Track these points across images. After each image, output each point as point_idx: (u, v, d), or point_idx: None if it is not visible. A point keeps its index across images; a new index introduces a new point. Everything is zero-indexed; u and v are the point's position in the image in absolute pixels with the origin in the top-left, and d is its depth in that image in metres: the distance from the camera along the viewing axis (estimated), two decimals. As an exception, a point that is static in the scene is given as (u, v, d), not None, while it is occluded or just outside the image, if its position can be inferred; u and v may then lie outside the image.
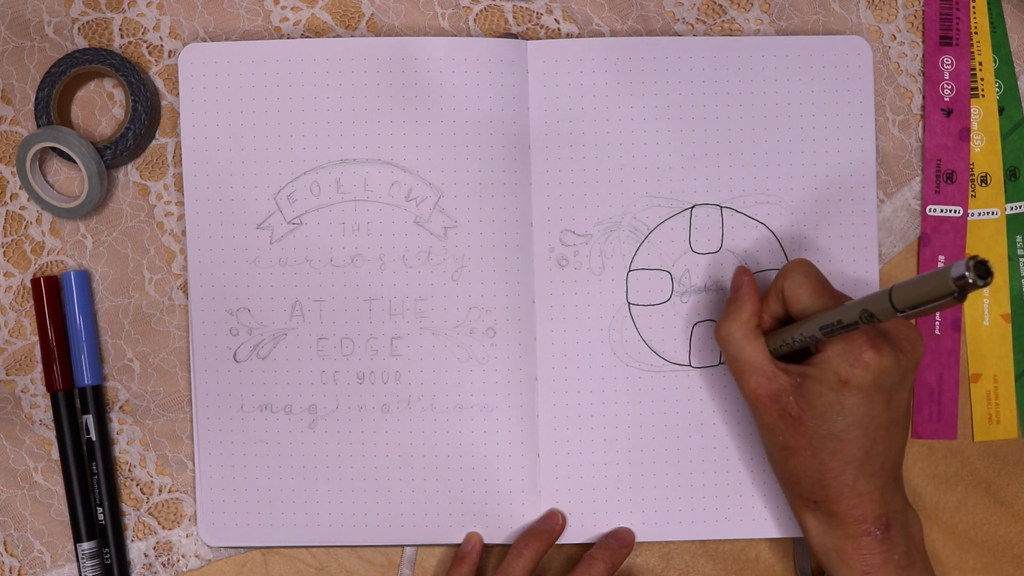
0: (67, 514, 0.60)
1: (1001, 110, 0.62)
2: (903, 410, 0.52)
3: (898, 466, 0.53)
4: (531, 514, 0.60)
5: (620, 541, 0.59)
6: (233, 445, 0.60)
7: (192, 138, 0.60)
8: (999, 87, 0.62)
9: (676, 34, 0.62)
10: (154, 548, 0.61)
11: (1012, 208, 0.62)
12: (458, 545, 0.60)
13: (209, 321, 0.60)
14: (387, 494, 0.60)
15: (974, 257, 0.41)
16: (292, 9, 0.61)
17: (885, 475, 0.52)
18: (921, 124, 0.62)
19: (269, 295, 0.60)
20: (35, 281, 0.60)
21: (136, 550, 0.61)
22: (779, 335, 0.53)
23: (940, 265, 0.61)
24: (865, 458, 0.51)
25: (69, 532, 0.60)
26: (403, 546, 0.61)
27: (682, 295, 0.61)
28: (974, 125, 0.62)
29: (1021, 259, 0.62)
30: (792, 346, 0.53)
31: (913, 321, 0.55)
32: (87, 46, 0.61)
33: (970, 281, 0.41)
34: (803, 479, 0.53)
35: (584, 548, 0.61)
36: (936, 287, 0.43)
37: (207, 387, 0.60)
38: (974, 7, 0.62)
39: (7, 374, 0.61)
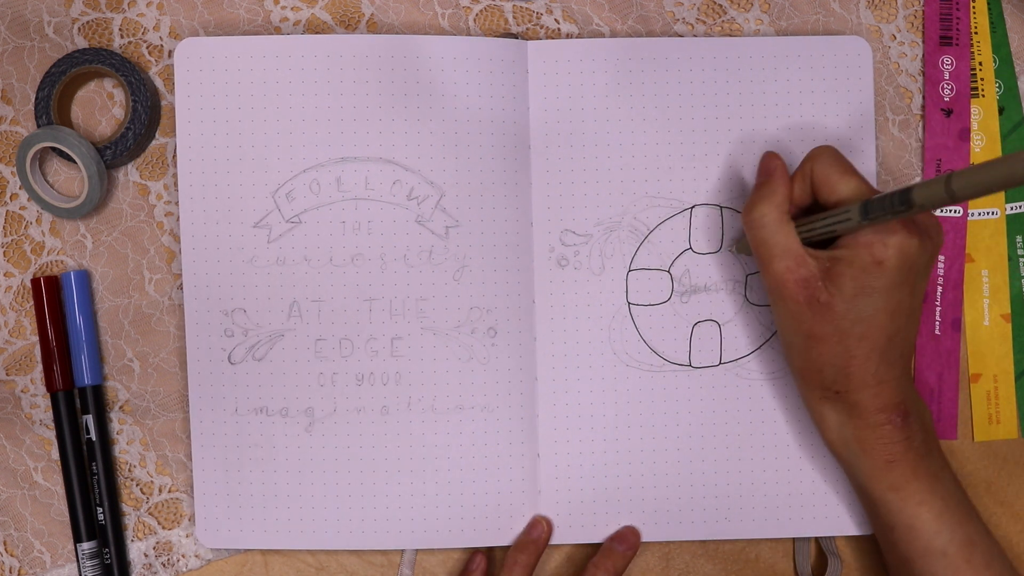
0: (67, 514, 0.60)
1: (1001, 110, 0.62)
2: (921, 298, 0.53)
3: (911, 356, 0.54)
4: (531, 514, 0.60)
5: (624, 543, 0.59)
6: (227, 449, 0.60)
7: (188, 134, 0.59)
8: (999, 87, 0.62)
9: (676, 34, 0.62)
10: (154, 548, 0.61)
11: (1012, 208, 0.62)
12: (455, 549, 0.60)
13: (203, 322, 0.60)
14: (385, 498, 0.59)
15: None
16: (292, 9, 0.61)
17: (902, 364, 0.53)
18: (921, 124, 0.62)
19: (266, 295, 0.60)
20: (35, 281, 0.60)
21: (136, 550, 0.61)
22: (807, 222, 0.53)
23: (940, 266, 0.61)
24: (888, 344, 0.52)
25: (69, 532, 0.60)
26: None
27: (682, 295, 0.60)
28: (974, 125, 0.62)
29: (1021, 259, 0.62)
30: (820, 233, 0.52)
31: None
32: (87, 46, 0.61)
33: None
34: (827, 368, 0.53)
35: (583, 548, 0.61)
36: (1004, 174, 0.42)
37: (201, 390, 0.60)
38: (974, 7, 0.62)
39: (7, 374, 0.61)
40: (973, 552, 0.52)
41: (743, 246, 0.59)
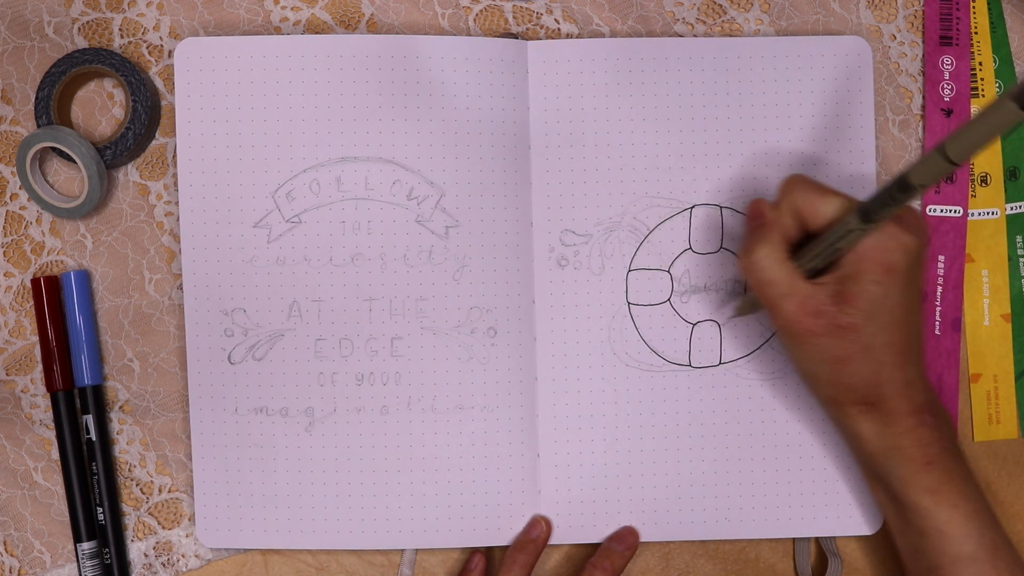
0: (67, 514, 0.60)
1: (1001, 110, 0.62)
2: (922, 290, 0.54)
3: (923, 349, 0.55)
4: (531, 514, 0.60)
5: (623, 543, 0.59)
6: (227, 449, 0.60)
7: (188, 134, 0.59)
8: (999, 87, 0.62)
9: (676, 34, 0.62)
10: (154, 548, 0.61)
11: (1012, 208, 0.62)
12: (455, 549, 0.60)
13: (203, 322, 0.60)
14: (385, 498, 0.59)
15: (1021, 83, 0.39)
16: (292, 9, 0.61)
17: (921, 359, 0.53)
18: (921, 124, 0.62)
19: (266, 295, 0.60)
20: (35, 281, 0.60)
21: (136, 550, 0.61)
22: (806, 252, 0.53)
23: (940, 266, 0.61)
24: (908, 345, 0.52)
25: (69, 532, 0.60)
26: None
27: (682, 295, 0.60)
28: (974, 125, 0.62)
29: (1021, 259, 0.62)
30: (823, 258, 0.52)
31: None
32: (87, 46, 0.61)
33: None
34: (859, 385, 0.53)
35: (583, 548, 0.61)
36: (1000, 120, 0.40)
37: (200, 389, 0.60)
38: (974, 7, 0.62)
39: (7, 374, 0.61)
40: (998, 557, 0.53)
41: (745, 307, 0.59)
